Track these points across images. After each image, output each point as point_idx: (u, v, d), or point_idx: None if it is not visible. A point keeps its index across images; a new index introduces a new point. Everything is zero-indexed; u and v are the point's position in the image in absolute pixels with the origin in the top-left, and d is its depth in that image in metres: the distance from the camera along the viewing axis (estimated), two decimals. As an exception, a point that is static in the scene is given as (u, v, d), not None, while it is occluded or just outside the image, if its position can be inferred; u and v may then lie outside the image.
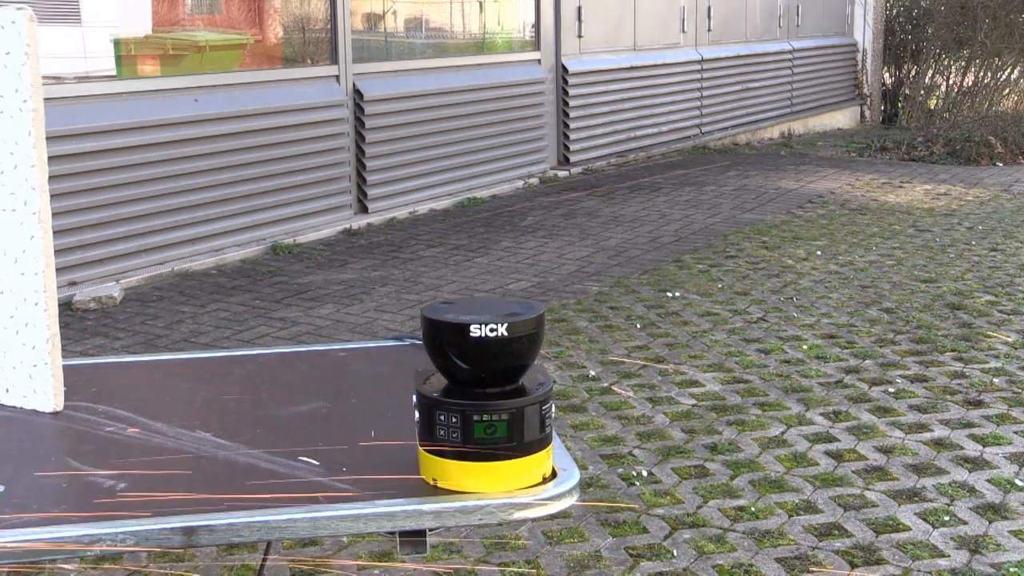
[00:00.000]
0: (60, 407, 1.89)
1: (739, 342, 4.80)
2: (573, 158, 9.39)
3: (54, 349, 1.89)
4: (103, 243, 5.85)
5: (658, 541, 3.07)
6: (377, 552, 3.00)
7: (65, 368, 2.06)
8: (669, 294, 5.57)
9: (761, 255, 6.43)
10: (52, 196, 2.10)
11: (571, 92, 9.25)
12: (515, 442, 1.54)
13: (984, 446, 3.70)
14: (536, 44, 9.07)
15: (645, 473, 3.49)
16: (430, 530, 1.53)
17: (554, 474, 1.60)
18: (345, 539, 3.04)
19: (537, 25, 9.06)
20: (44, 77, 2.02)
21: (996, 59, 13.36)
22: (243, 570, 2.92)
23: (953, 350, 4.68)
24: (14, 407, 1.91)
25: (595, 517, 3.20)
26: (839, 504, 3.28)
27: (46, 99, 2.06)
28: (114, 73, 6.10)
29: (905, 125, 13.25)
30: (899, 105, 14.06)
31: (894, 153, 10.88)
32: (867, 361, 4.55)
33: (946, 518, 3.19)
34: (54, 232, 2.32)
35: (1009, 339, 4.81)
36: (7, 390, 1.93)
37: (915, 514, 3.22)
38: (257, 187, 6.62)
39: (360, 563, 2.96)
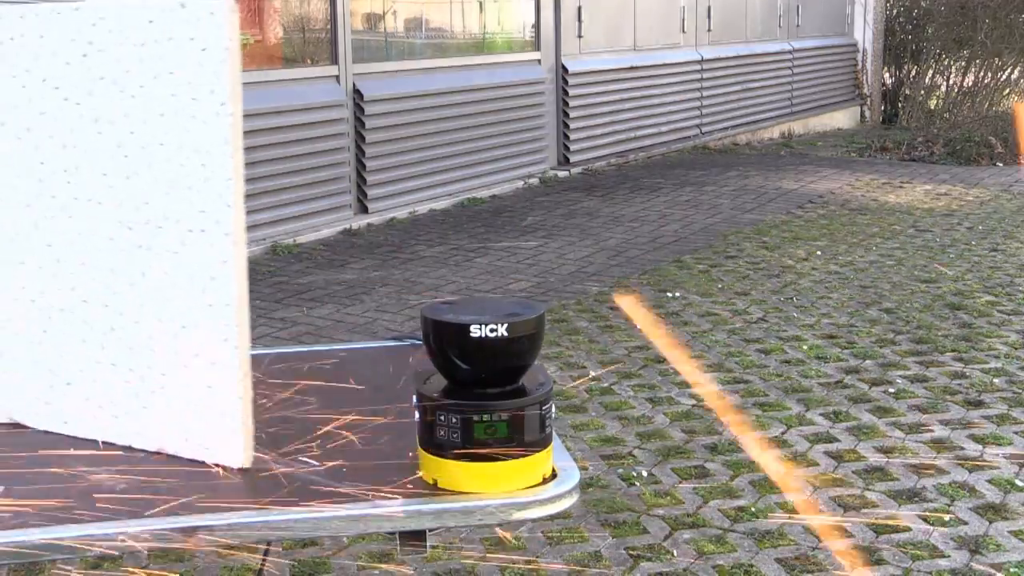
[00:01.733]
0: (249, 463, 1.64)
1: (739, 342, 4.80)
2: (573, 158, 9.39)
3: (245, 393, 1.64)
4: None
5: (658, 541, 3.07)
6: (377, 552, 3.00)
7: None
8: (669, 294, 5.57)
9: (761, 255, 6.43)
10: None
11: (571, 92, 9.24)
12: (515, 442, 1.54)
13: (984, 446, 3.70)
14: (536, 44, 9.07)
15: (645, 473, 3.49)
16: (430, 530, 1.53)
17: (554, 474, 1.60)
18: (345, 539, 3.04)
19: (537, 25, 9.06)
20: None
21: (996, 59, 13.36)
22: (243, 570, 2.92)
23: (953, 350, 4.68)
24: (194, 460, 1.67)
25: (595, 517, 3.20)
26: (839, 504, 3.28)
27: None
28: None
29: (905, 125, 13.25)
30: (899, 105, 14.06)
31: (894, 153, 10.87)
32: (867, 361, 4.55)
33: (946, 518, 3.18)
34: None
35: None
36: (186, 439, 1.68)
37: (915, 514, 3.21)
38: (257, 187, 6.62)
39: (360, 563, 2.96)
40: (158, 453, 1.69)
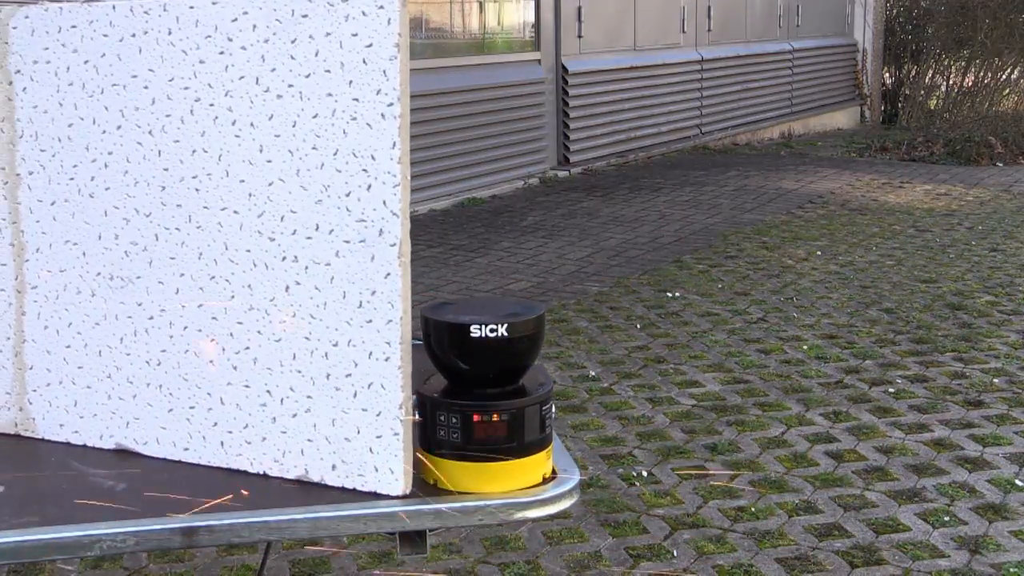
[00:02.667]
0: (408, 489, 1.53)
1: (739, 342, 4.80)
2: (573, 158, 9.39)
3: (407, 415, 1.52)
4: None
5: (658, 541, 3.07)
6: (377, 552, 3.00)
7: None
8: (669, 294, 5.57)
9: (761, 255, 6.43)
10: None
11: (571, 92, 9.25)
12: (515, 442, 1.54)
13: (984, 446, 3.70)
14: (536, 44, 9.07)
15: (645, 473, 3.49)
16: (430, 530, 1.53)
17: (554, 474, 1.60)
18: (345, 539, 3.04)
19: (537, 25, 9.06)
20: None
21: (996, 59, 13.36)
22: (243, 570, 2.92)
23: (953, 350, 4.68)
24: (343, 488, 1.55)
25: (595, 517, 3.20)
26: (839, 504, 3.28)
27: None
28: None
29: (905, 125, 13.25)
30: (899, 105, 14.06)
31: (894, 153, 10.88)
32: (867, 361, 4.55)
33: (946, 518, 3.18)
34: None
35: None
36: (333, 466, 1.56)
37: (915, 514, 3.21)
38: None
39: (360, 563, 2.96)
40: (297, 481, 1.58)
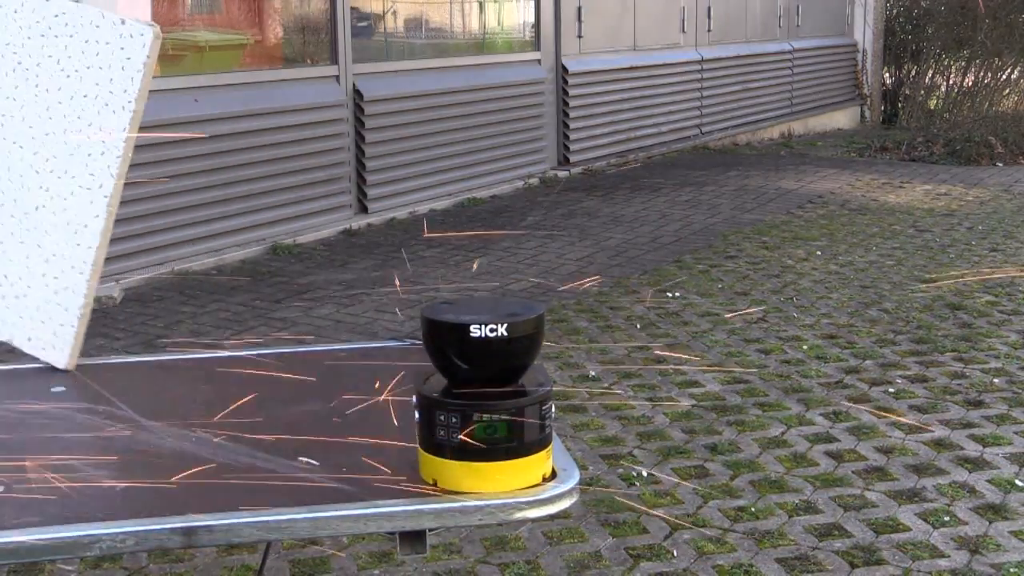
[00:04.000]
0: (72, 367, 2.11)
1: (739, 342, 4.80)
2: (573, 158, 9.38)
3: (84, 316, 2.10)
4: (103, 243, 5.83)
5: (658, 541, 3.07)
6: (377, 552, 3.00)
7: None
8: (669, 294, 5.57)
9: (761, 255, 6.43)
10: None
11: (571, 92, 9.24)
12: (515, 442, 1.54)
13: (984, 446, 3.70)
14: (536, 44, 9.06)
15: (645, 473, 3.49)
16: (430, 530, 1.53)
17: (554, 474, 1.60)
18: (345, 539, 3.04)
19: (537, 25, 9.06)
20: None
21: (996, 59, 13.37)
22: (243, 570, 2.92)
23: (953, 350, 4.68)
24: (32, 356, 2.13)
25: (595, 517, 3.20)
26: (839, 504, 3.28)
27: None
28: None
29: (905, 125, 13.25)
30: (899, 105, 14.06)
31: (894, 153, 10.88)
32: (867, 361, 4.55)
33: (946, 518, 3.19)
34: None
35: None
36: (29, 339, 2.14)
37: (915, 514, 3.22)
38: (257, 187, 6.62)
39: (360, 563, 2.96)
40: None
